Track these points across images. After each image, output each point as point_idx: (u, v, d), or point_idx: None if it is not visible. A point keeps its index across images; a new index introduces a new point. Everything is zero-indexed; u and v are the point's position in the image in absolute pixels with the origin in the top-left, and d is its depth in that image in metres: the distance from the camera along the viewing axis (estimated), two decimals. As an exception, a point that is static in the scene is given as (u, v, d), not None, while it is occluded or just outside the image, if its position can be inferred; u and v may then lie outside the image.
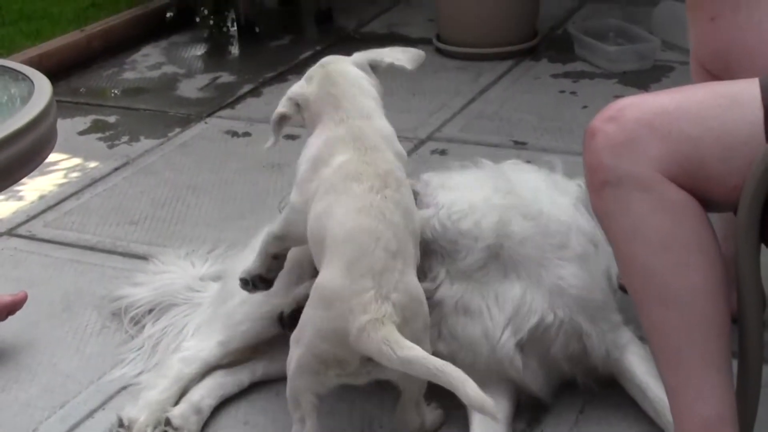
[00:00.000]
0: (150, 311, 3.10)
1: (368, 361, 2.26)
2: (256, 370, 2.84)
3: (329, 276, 2.29)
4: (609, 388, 2.68)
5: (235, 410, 2.77)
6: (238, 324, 2.79)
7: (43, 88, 2.18)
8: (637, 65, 5.17)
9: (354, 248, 2.29)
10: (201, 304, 3.03)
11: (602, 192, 2.02)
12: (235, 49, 5.95)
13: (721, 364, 2.04)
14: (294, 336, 2.36)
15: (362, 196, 2.37)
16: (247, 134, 4.65)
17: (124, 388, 2.87)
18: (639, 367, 2.59)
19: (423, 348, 2.23)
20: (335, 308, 2.25)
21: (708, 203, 2.03)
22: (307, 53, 5.75)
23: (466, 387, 2.14)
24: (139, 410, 2.66)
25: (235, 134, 4.66)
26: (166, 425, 2.62)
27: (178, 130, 4.72)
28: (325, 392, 2.40)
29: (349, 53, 5.61)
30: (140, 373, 2.89)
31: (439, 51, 5.62)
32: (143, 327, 3.07)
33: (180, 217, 3.88)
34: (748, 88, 2.00)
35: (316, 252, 2.40)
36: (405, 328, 2.23)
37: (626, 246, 2.03)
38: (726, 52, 2.44)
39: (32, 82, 2.25)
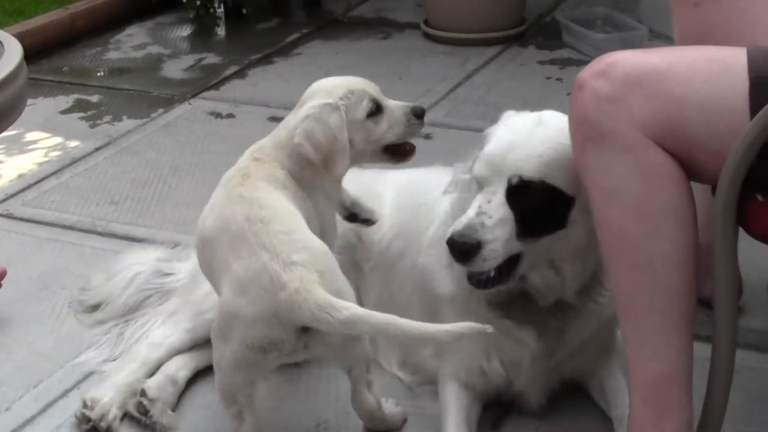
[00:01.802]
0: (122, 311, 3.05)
1: (304, 333, 2.22)
2: None
3: (234, 266, 2.27)
4: (573, 389, 2.67)
5: (212, 388, 2.73)
6: (204, 312, 2.76)
7: (12, 50, 2.14)
8: (625, 53, 5.13)
9: (231, 235, 2.29)
10: (172, 291, 3.01)
11: (585, 147, 2.02)
12: (221, 31, 5.91)
13: (681, 326, 2.05)
14: (217, 334, 2.32)
15: (220, 195, 2.45)
16: (231, 116, 4.62)
17: (93, 372, 2.85)
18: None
19: (349, 300, 2.22)
20: (250, 292, 2.21)
21: (689, 168, 2.01)
22: (294, 36, 5.72)
23: (426, 328, 2.15)
24: (103, 392, 2.64)
25: (219, 116, 4.63)
26: (141, 396, 2.61)
27: (161, 110, 4.69)
28: (264, 379, 2.37)
29: (336, 37, 5.64)
30: (104, 361, 2.86)
31: (426, 36, 5.61)
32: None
33: (161, 197, 3.85)
34: (738, 55, 1.99)
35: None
36: (327, 283, 2.19)
37: (603, 206, 2.03)
38: (709, 39, 2.42)
39: (2, 44, 2.21)
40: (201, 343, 2.77)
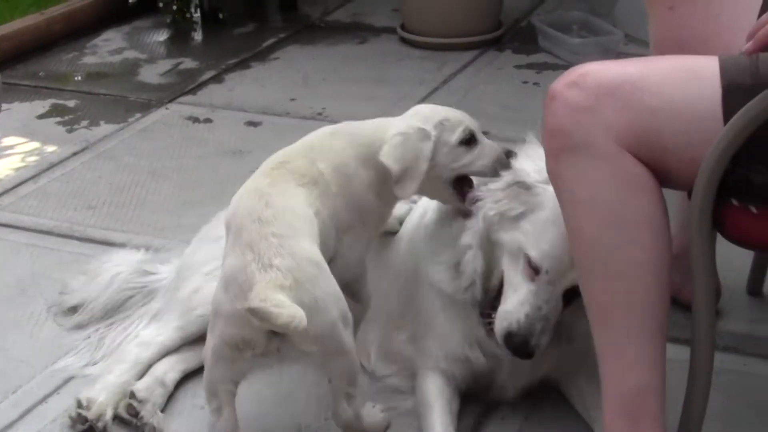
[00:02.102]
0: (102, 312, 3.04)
1: (275, 336, 2.21)
2: None
3: (227, 261, 2.28)
4: (555, 392, 2.69)
5: (192, 394, 2.75)
6: (193, 309, 2.77)
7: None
8: (600, 58, 5.11)
9: (234, 227, 2.30)
10: (156, 291, 3.01)
11: (559, 157, 2.02)
12: (198, 36, 5.90)
13: (655, 336, 2.05)
14: (209, 326, 2.34)
15: (248, 181, 2.44)
16: (208, 120, 4.62)
17: (74, 377, 2.84)
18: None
19: (327, 313, 2.21)
20: (231, 289, 2.22)
21: (664, 177, 2.02)
22: (271, 41, 5.72)
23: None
24: (97, 392, 2.64)
25: (196, 120, 4.62)
26: (131, 398, 2.60)
27: (138, 115, 4.68)
28: (243, 378, 2.37)
29: (313, 42, 5.64)
30: (85, 366, 2.86)
31: (403, 40, 5.62)
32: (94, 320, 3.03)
33: (139, 202, 3.85)
34: (709, 63, 2.00)
35: None
36: (301, 292, 2.17)
37: (576, 216, 2.03)
38: (684, 43, 2.44)
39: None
40: (191, 342, 2.78)
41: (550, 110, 2.01)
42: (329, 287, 2.27)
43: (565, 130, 1.99)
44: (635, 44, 5.24)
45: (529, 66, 5.21)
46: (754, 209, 1.98)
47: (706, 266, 2.00)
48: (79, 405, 2.61)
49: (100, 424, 2.58)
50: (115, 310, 3.00)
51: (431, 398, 2.55)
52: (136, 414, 2.59)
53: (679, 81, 1.99)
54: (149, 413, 2.59)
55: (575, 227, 2.04)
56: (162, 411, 2.64)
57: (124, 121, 4.60)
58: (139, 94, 4.94)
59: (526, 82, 4.99)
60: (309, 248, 2.28)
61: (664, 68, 2.05)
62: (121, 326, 2.94)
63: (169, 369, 2.74)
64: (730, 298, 3.02)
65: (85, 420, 2.58)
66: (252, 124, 4.56)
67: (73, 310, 3.06)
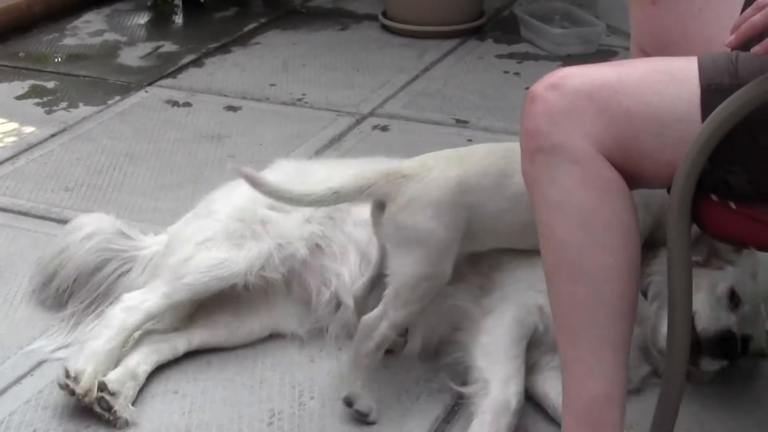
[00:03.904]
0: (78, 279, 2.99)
1: None
2: (192, 338, 2.81)
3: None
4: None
5: (166, 378, 2.74)
6: (182, 277, 2.75)
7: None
8: (581, 49, 5.18)
9: None
10: (134, 259, 2.97)
11: (534, 158, 2.01)
12: (178, 19, 5.88)
13: (618, 345, 2.04)
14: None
15: None
16: (187, 104, 4.60)
17: (45, 361, 2.82)
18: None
19: None
20: None
21: (641, 179, 2.03)
22: (252, 26, 5.71)
23: None
24: (85, 361, 2.61)
25: (175, 104, 4.60)
26: (102, 390, 2.57)
27: (117, 98, 4.65)
28: None
29: (294, 27, 5.64)
30: (58, 348, 2.84)
31: (384, 28, 5.61)
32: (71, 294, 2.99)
33: (116, 185, 3.83)
34: (687, 65, 2.00)
35: None
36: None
37: (548, 216, 2.02)
38: (666, 37, 2.44)
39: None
40: (165, 332, 2.79)
41: (529, 112, 2.02)
42: None
43: (542, 131, 1.99)
44: (617, 36, 5.24)
45: (511, 56, 5.21)
46: (733, 205, 1.99)
47: (683, 262, 2.00)
48: (67, 374, 2.58)
49: (87, 399, 2.55)
50: (90, 275, 2.95)
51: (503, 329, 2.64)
52: (109, 408, 2.57)
53: (657, 84, 2.00)
54: (122, 407, 2.57)
55: (546, 229, 2.04)
56: (133, 404, 2.62)
57: (103, 104, 4.57)
58: (119, 77, 4.92)
59: (506, 72, 4.99)
60: None
61: (643, 71, 2.05)
62: (97, 311, 2.92)
63: (142, 361, 2.71)
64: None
65: (73, 392, 2.56)
66: (231, 108, 4.55)
67: (51, 277, 3.01)
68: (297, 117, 4.45)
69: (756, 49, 1.81)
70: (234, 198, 2.89)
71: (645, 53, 2.56)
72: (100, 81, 4.87)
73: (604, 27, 5.26)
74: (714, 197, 1.98)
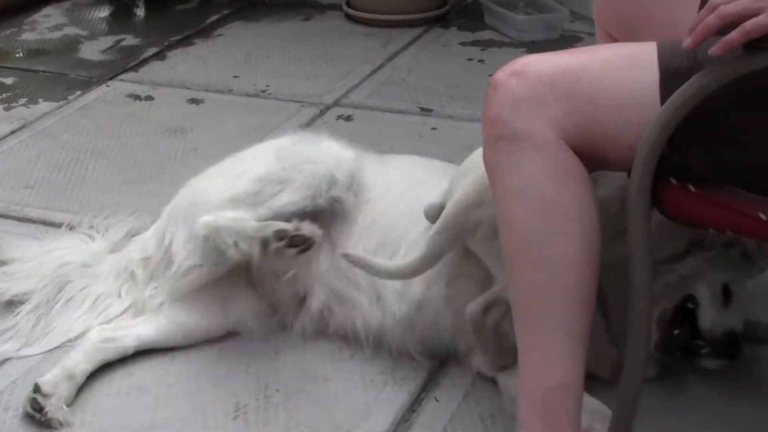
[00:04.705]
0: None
1: None
2: (143, 336, 2.78)
3: None
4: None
5: (129, 375, 2.71)
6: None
7: None
8: (545, 35, 5.18)
9: None
10: (100, 275, 2.95)
11: (496, 145, 2.00)
12: (140, 12, 5.82)
13: (578, 332, 2.03)
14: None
15: None
16: (150, 98, 4.56)
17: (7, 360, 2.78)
18: None
19: None
20: None
21: (602, 163, 2.03)
22: (214, 17, 5.67)
23: None
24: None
25: (137, 98, 4.56)
26: (35, 392, 2.53)
27: (78, 93, 4.60)
28: None
29: (257, 19, 5.60)
30: (21, 348, 2.79)
31: (348, 17, 5.59)
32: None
33: (78, 181, 3.79)
34: (647, 50, 2.00)
35: None
36: None
37: (508, 204, 2.01)
38: (630, 21, 2.44)
39: None
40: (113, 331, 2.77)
41: (491, 99, 2.01)
42: None
43: (505, 119, 1.98)
44: (581, 22, 5.24)
45: (475, 43, 5.20)
46: (692, 188, 1.98)
47: (643, 244, 1.99)
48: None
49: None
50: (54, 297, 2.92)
51: None
52: (40, 409, 2.52)
53: (619, 69, 2.00)
54: (54, 408, 2.52)
55: (506, 217, 2.03)
56: (69, 405, 2.57)
57: (64, 99, 4.53)
58: (80, 72, 4.87)
59: (471, 60, 4.97)
60: None
61: (604, 57, 2.05)
62: (59, 306, 2.89)
63: (82, 360, 2.66)
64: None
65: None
66: (194, 101, 4.52)
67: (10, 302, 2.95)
68: (261, 108, 4.42)
69: (713, 50, 1.81)
70: None
71: (611, 37, 2.57)
72: (60, 76, 4.82)
73: (568, 13, 5.26)
74: (673, 180, 1.98)
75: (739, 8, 1.77)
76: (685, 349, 2.54)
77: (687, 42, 1.84)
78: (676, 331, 2.53)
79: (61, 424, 2.52)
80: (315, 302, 2.81)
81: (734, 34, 1.78)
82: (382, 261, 2.64)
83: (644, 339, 2.06)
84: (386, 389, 2.65)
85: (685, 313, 2.53)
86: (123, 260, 2.97)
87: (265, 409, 2.59)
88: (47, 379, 2.58)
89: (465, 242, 2.53)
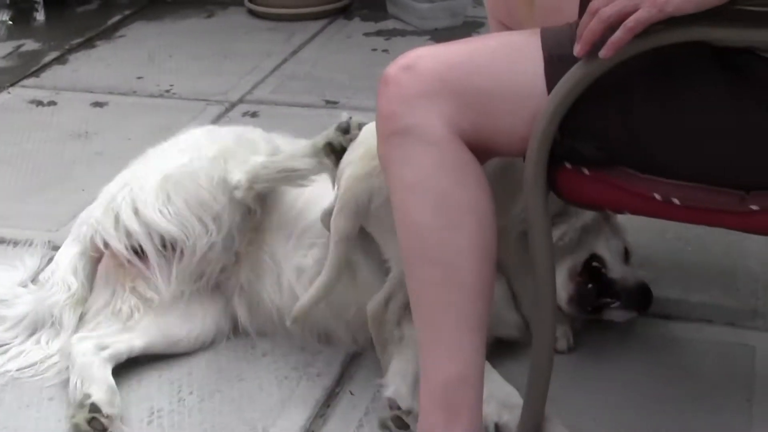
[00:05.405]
0: None
1: None
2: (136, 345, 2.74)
3: None
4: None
5: (41, 383, 2.68)
6: None
7: None
8: (449, 22, 5.21)
9: None
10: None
11: (390, 140, 2.01)
12: (40, 16, 5.73)
13: (474, 325, 2.05)
14: None
15: None
16: (52, 103, 4.51)
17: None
18: None
19: None
20: None
21: (496, 153, 2.06)
22: (116, 18, 5.61)
23: None
24: None
25: (40, 103, 4.50)
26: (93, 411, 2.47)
27: (-22, 101, 4.55)
28: None
29: (159, 18, 5.55)
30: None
31: (251, 13, 5.57)
32: None
33: (-20, 190, 3.74)
34: (531, 37, 2.01)
35: None
36: None
37: (403, 199, 2.02)
38: (517, 9, 2.46)
39: None
40: None
41: (383, 95, 2.01)
42: None
43: (397, 114, 1.98)
44: (483, 7, 5.23)
45: (378, 33, 5.22)
46: (586, 171, 2.02)
47: (542, 232, 2.03)
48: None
49: None
50: None
51: None
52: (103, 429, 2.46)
53: (507, 59, 2.00)
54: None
55: (402, 212, 2.03)
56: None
57: (-36, 108, 4.46)
58: (-22, 79, 4.80)
59: (375, 50, 4.99)
60: None
61: (492, 47, 2.06)
62: None
63: (105, 373, 2.60)
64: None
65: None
66: (98, 104, 4.47)
67: None
68: (165, 109, 4.39)
69: (603, 52, 1.83)
70: None
71: (502, 24, 2.59)
72: (-42, 84, 4.74)
73: (470, 0, 5.29)
74: (568, 165, 2.01)
75: (618, 7, 1.80)
76: (595, 306, 2.60)
77: (576, 49, 1.87)
78: (589, 285, 2.59)
79: None
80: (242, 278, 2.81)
81: (619, 34, 1.81)
82: (307, 293, 2.57)
83: (550, 314, 2.10)
84: (301, 385, 2.66)
85: (591, 271, 2.60)
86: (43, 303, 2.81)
87: (180, 412, 2.58)
88: (100, 397, 2.50)
89: (363, 219, 2.50)
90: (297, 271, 2.73)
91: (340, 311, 2.70)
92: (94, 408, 2.46)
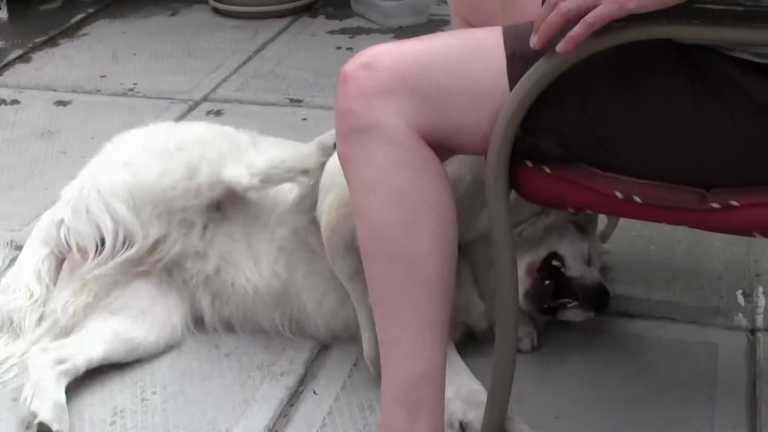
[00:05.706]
0: None
1: None
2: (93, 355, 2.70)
3: None
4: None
5: (2, 386, 2.66)
6: None
7: None
8: (413, 20, 5.21)
9: None
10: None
11: (349, 138, 1.99)
12: (2, 14, 5.67)
13: (436, 323, 2.04)
14: None
15: None
16: (15, 102, 4.47)
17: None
18: None
19: None
20: None
21: (458, 151, 2.05)
22: (80, 16, 5.58)
23: None
24: None
25: (3, 102, 4.47)
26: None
27: (-61, 101, 4.51)
28: None
29: (123, 16, 5.51)
30: None
31: (215, 11, 5.56)
32: None
33: (-57, 192, 3.71)
34: (493, 35, 2.00)
35: None
36: None
37: (363, 197, 2.01)
38: (482, 7, 2.46)
39: None
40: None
41: (342, 92, 1.99)
42: None
43: (356, 112, 1.96)
44: (447, 5, 5.25)
45: (343, 31, 5.21)
46: (547, 169, 2.01)
47: (503, 231, 2.03)
48: None
49: None
50: None
51: None
52: None
53: (467, 57, 1.99)
54: None
55: (361, 210, 2.02)
56: None
57: (-76, 108, 4.42)
58: (-60, 79, 4.76)
59: (339, 48, 4.98)
60: None
61: (452, 45, 2.04)
62: None
63: (57, 387, 2.56)
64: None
65: None
66: (61, 103, 4.44)
67: None
68: (129, 107, 4.37)
69: (560, 47, 1.81)
70: None
71: (466, 22, 2.59)
72: None
73: (434, -4, 5.30)
74: (529, 163, 2.00)
75: (578, 2, 1.77)
76: (550, 306, 2.61)
77: (533, 41, 1.85)
78: (546, 282, 2.59)
79: None
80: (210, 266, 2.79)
81: (578, 29, 1.78)
82: (365, 338, 2.60)
83: (513, 312, 2.10)
84: (264, 385, 2.65)
85: (550, 270, 2.60)
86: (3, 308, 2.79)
87: (143, 412, 2.57)
88: (48, 416, 2.46)
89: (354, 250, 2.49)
90: (278, 250, 2.74)
91: (315, 298, 2.73)
92: (44, 428, 2.44)
